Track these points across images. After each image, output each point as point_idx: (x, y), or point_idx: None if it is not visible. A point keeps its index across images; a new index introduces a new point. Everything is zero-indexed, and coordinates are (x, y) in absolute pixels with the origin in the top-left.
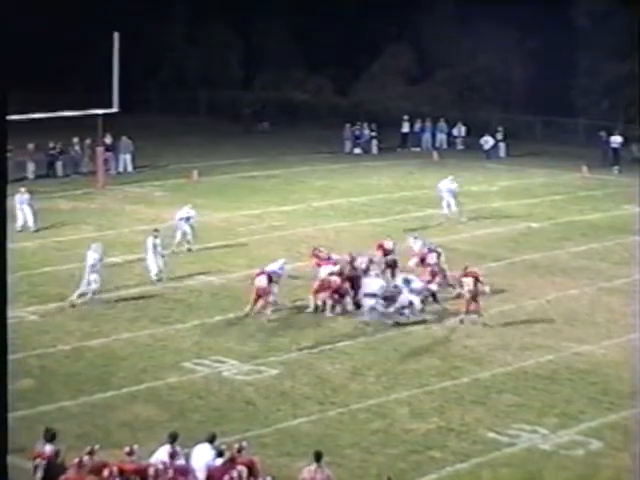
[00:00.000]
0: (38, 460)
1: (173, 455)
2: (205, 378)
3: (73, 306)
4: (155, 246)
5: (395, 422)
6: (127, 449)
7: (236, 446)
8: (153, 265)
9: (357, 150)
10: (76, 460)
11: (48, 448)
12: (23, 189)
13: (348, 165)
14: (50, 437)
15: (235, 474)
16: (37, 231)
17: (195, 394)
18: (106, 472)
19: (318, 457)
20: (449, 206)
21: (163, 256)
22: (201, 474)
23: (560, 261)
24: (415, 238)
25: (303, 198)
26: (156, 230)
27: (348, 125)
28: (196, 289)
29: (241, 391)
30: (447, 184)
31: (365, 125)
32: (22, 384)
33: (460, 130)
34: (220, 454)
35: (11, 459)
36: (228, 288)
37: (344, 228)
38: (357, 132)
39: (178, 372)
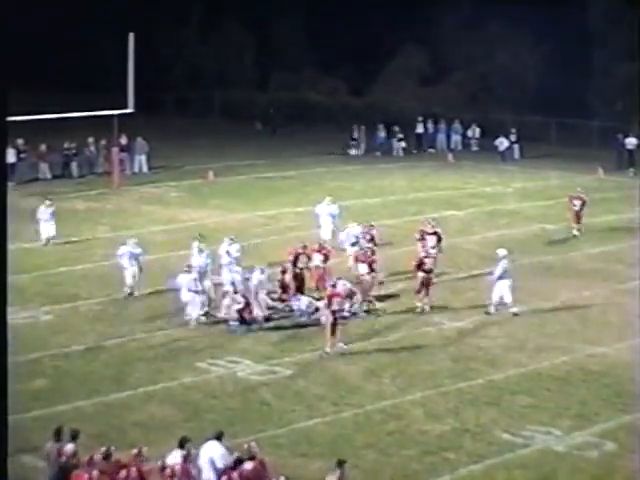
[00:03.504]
0: (64, 458)
1: (186, 457)
2: (220, 378)
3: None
4: (201, 250)
5: (410, 423)
6: (135, 450)
7: (245, 447)
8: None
9: (353, 151)
10: (86, 458)
11: (70, 447)
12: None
13: (362, 166)
14: (73, 435)
15: (236, 475)
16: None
17: (210, 394)
18: (123, 473)
19: (340, 464)
20: (327, 230)
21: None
22: (208, 471)
23: (574, 263)
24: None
25: (318, 199)
26: (200, 235)
27: (364, 127)
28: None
29: (256, 391)
30: (325, 207)
31: (381, 127)
32: (36, 384)
33: (474, 131)
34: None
35: (26, 458)
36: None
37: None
38: (355, 134)
39: (193, 372)
